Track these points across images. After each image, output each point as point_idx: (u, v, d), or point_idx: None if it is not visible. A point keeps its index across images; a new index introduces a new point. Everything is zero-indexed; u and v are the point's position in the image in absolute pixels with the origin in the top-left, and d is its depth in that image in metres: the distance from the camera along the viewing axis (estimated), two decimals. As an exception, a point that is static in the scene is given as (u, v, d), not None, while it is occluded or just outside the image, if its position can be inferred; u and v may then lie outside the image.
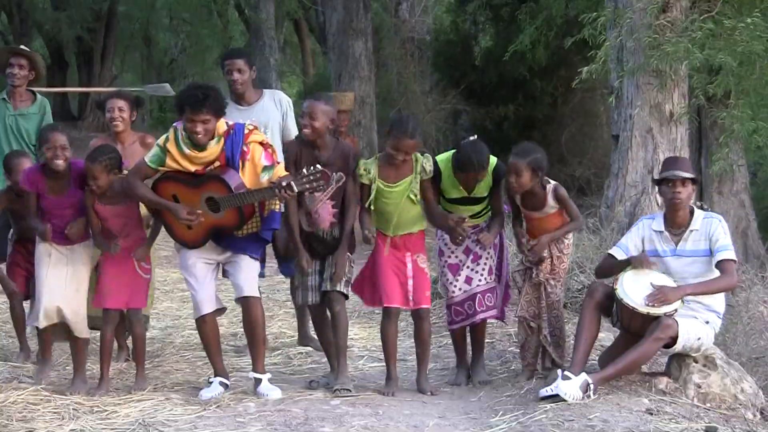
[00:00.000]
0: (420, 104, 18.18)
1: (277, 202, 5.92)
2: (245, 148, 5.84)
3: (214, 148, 5.81)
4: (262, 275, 7.11)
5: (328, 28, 17.15)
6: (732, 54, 9.23)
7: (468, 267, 6.29)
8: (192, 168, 5.83)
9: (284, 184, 5.62)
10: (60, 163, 6.02)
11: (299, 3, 21.17)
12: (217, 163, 5.83)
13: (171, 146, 5.83)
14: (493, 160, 6.20)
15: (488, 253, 6.30)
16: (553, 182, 6.20)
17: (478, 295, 6.27)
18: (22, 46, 7.98)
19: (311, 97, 6.16)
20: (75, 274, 6.15)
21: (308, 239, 6.06)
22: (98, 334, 6.27)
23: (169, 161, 5.85)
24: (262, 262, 7.02)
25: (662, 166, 6.15)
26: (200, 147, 5.79)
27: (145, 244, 6.22)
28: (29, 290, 6.77)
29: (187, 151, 5.80)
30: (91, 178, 5.98)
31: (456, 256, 6.33)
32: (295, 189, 5.63)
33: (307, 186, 5.67)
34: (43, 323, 6.14)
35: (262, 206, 5.94)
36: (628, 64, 10.02)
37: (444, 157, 6.25)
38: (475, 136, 6.15)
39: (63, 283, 6.12)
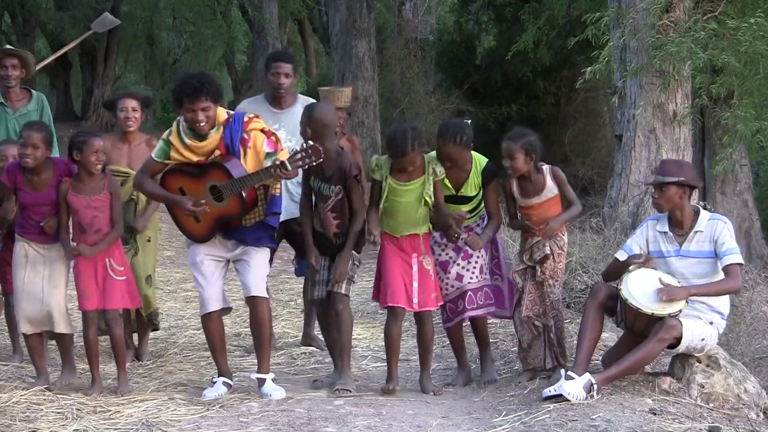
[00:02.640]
0: (423, 104, 18.21)
1: (276, 185, 5.95)
2: (245, 136, 5.89)
3: (213, 137, 5.86)
4: None
5: (331, 28, 17.17)
6: (735, 54, 9.23)
7: (458, 264, 6.29)
8: (194, 158, 5.89)
9: (278, 163, 5.70)
10: (28, 161, 6.03)
11: (303, 3, 21.17)
12: (217, 152, 5.88)
13: (174, 138, 5.90)
14: (483, 160, 6.21)
15: (478, 252, 6.28)
16: (547, 164, 6.20)
17: (469, 292, 6.26)
18: (8, 46, 7.94)
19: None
20: (52, 274, 6.13)
21: (319, 239, 6.12)
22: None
23: (173, 153, 5.91)
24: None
25: None
26: (201, 136, 5.84)
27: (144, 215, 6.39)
28: None
29: (188, 141, 5.86)
30: (98, 152, 6.01)
31: (447, 254, 6.32)
32: (289, 167, 5.70)
33: (300, 163, 5.74)
34: (25, 329, 6.15)
35: (267, 192, 5.97)
36: (631, 65, 10.02)
37: (430, 157, 6.23)
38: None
39: (40, 286, 6.10)
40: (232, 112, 6.00)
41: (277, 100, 7.16)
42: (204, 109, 5.78)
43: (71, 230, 6.14)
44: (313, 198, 6.15)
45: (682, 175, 5.88)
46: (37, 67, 8.13)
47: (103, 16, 9.82)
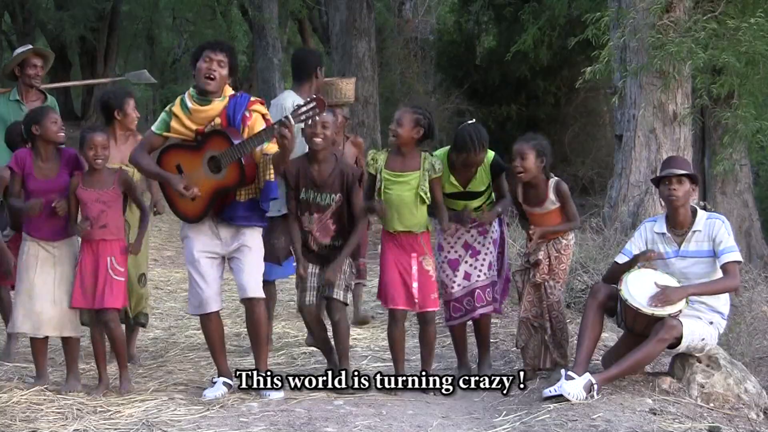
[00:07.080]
0: (423, 104, 18.22)
1: (271, 171, 5.90)
2: (247, 114, 5.89)
3: (217, 104, 5.86)
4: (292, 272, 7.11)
5: (331, 28, 17.18)
6: (735, 54, 9.24)
7: (467, 262, 6.28)
8: (194, 126, 5.87)
9: (282, 119, 5.68)
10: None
11: (303, 3, 21.17)
12: (217, 120, 5.88)
13: (176, 108, 5.91)
14: (491, 154, 6.22)
15: (487, 248, 6.29)
16: (555, 177, 6.20)
17: (477, 290, 6.26)
18: (29, 45, 7.96)
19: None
20: (63, 277, 6.10)
21: (310, 248, 6.07)
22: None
23: (174, 124, 5.90)
24: (287, 259, 7.03)
25: (660, 167, 6.18)
26: (206, 100, 5.85)
27: (139, 238, 6.26)
28: None
29: (190, 105, 5.87)
30: (95, 148, 6.01)
31: (455, 251, 6.32)
32: (293, 121, 5.68)
33: (303, 117, 5.72)
34: (35, 333, 6.11)
35: (260, 176, 5.92)
36: (631, 65, 10.03)
37: (440, 152, 6.24)
38: (474, 120, 6.20)
39: (51, 288, 6.07)
40: (240, 92, 6.03)
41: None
42: (220, 63, 5.83)
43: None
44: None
45: (693, 171, 5.92)
46: (52, 86, 8.18)
47: (141, 71, 9.95)
